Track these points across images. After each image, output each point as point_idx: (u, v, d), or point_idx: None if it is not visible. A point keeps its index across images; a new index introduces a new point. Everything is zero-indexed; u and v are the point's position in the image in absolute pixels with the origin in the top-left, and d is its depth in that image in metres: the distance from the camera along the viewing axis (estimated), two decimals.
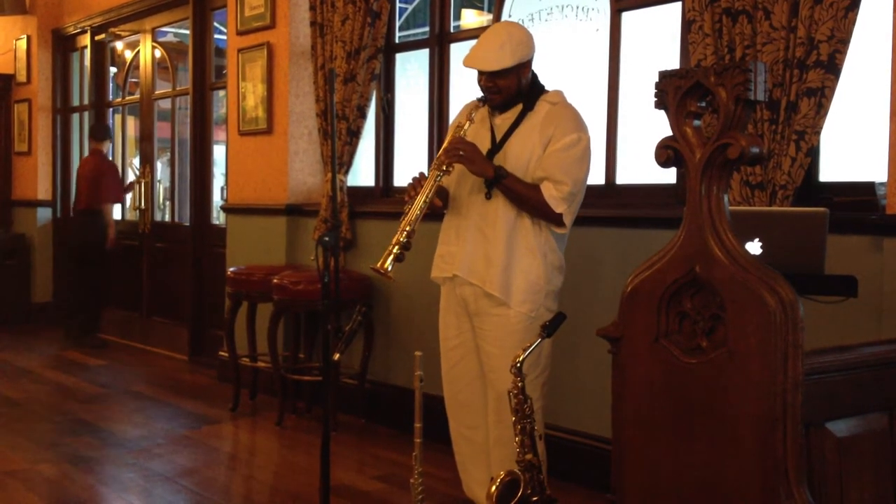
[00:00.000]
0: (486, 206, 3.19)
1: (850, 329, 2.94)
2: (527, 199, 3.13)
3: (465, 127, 3.20)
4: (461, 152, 3.10)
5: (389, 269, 3.01)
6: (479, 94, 3.24)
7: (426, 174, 3.15)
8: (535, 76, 3.25)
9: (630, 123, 4.04)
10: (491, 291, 3.16)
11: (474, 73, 3.23)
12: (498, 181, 3.12)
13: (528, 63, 3.19)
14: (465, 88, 4.55)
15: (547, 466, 3.20)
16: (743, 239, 2.08)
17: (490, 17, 5.00)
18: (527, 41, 3.17)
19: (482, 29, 4.38)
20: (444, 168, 3.11)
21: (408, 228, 3.03)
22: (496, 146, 3.21)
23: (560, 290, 3.27)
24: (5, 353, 7.16)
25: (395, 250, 3.01)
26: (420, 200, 3.08)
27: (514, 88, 3.17)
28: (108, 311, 8.05)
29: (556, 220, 3.14)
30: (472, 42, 3.32)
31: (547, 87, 3.28)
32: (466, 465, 3.42)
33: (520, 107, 3.21)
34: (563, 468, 3.81)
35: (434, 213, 3.34)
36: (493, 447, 3.25)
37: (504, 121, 3.23)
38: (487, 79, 3.15)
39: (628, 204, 3.96)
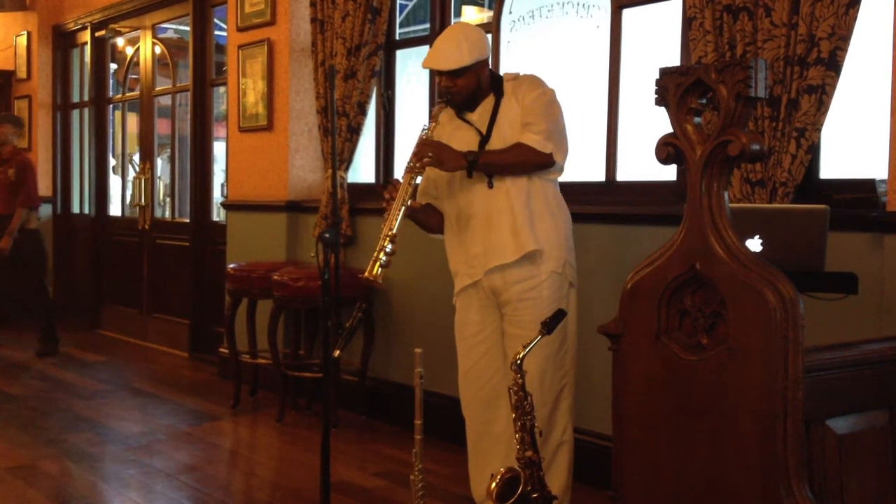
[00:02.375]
0: (497, 188, 3.23)
1: (851, 326, 2.95)
2: (512, 161, 3.18)
3: (431, 128, 3.26)
4: (429, 155, 3.15)
5: (378, 274, 3.06)
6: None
7: (399, 180, 3.20)
8: (491, 72, 3.33)
9: (630, 120, 4.03)
10: (529, 248, 3.18)
11: None
12: (474, 165, 3.17)
13: (486, 62, 3.28)
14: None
15: (572, 471, 3.32)
16: (743, 236, 2.08)
17: (490, 13, 4.99)
18: (482, 40, 3.26)
19: (482, 26, 4.39)
20: (418, 168, 3.17)
21: (390, 234, 3.07)
22: (485, 137, 3.25)
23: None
24: (5, 348, 7.16)
25: (381, 257, 3.05)
26: (397, 205, 3.13)
27: (473, 87, 3.24)
28: (109, 308, 8.08)
29: (548, 161, 3.17)
30: None
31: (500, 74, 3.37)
32: (481, 462, 3.40)
33: (491, 98, 3.28)
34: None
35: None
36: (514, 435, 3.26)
37: (482, 115, 3.29)
38: (447, 79, 3.22)
39: (629, 201, 3.96)
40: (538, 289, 3.22)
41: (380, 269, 3.04)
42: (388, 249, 3.05)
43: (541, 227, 3.22)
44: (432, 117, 3.30)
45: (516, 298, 3.24)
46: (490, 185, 3.23)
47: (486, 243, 3.26)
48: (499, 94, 3.27)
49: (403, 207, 3.12)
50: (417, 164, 3.16)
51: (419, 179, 3.30)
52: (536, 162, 3.17)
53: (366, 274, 3.06)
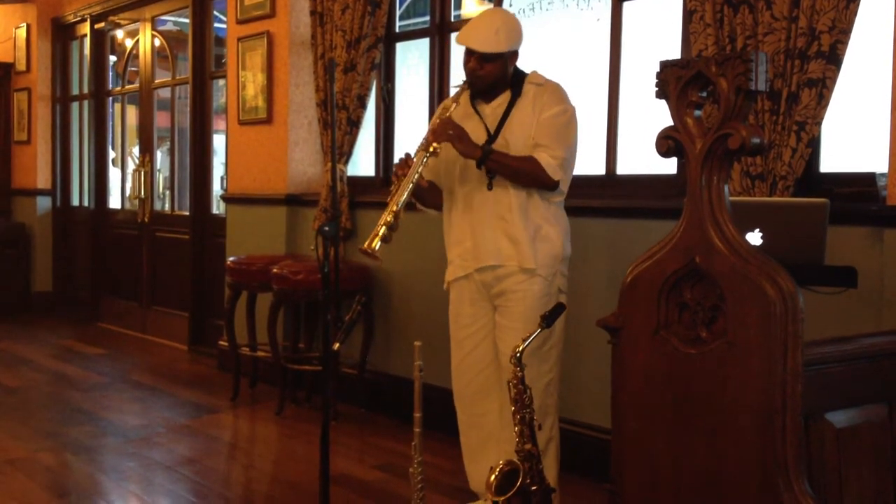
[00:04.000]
0: (496, 192, 3.22)
1: (850, 320, 2.95)
2: (520, 170, 3.17)
3: (451, 108, 3.24)
4: (450, 131, 3.14)
5: (377, 248, 3.01)
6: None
7: (412, 155, 3.17)
8: (515, 66, 3.31)
9: (631, 113, 4.03)
10: (527, 266, 3.19)
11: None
12: (485, 158, 3.15)
13: (516, 53, 3.25)
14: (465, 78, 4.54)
15: (559, 463, 3.33)
16: (743, 230, 2.08)
17: (491, 6, 4.98)
18: (520, 30, 3.25)
19: None
20: (432, 149, 3.13)
21: (395, 208, 3.03)
22: (493, 135, 3.23)
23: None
24: (5, 341, 7.16)
25: (381, 231, 3.01)
26: (408, 181, 3.10)
27: (498, 75, 3.21)
28: (108, 300, 8.08)
29: (552, 186, 3.19)
30: None
31: (526, 71, 3.32)
32: (475, 454, 3.42)
33: (508, 94, 3.25)
34: (561, 458, 3.80)
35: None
36: (505, 428, 3.26)
37: (495, 109, 3.27)
38: (476, 61, 3.19)
39: (629, 194, 3.95)
40: (529, 282, 3.22)
41: (379, 244, 3.00)
42: (390, 222, 3.02)
43: (541, 239, 3.22)
44: (455, 98, 3.26)
45: (509, 290, 3.24)
46: (490, 188, 3.22)
47: (475, 240, 3.26)
48: (516, 92, 3.24)
49: (412, 185, 3.10)
50: (434, 143, 3.13)
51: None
52: (542, 181, 3.17)
53: (364, 246, 3.01)
